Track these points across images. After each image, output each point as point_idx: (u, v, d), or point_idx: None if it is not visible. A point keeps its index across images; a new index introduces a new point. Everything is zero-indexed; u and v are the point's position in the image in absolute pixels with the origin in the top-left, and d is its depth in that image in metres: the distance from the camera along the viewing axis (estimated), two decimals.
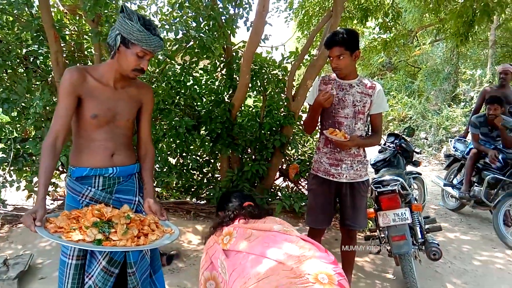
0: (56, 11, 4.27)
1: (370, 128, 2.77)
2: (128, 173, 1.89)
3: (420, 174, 4.36)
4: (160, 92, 4.15)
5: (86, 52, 4.50)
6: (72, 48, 4.45)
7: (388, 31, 6.75)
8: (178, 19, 4.36)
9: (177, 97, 4.35)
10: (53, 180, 4.56)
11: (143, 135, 1.99)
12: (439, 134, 9.95)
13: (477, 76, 12.83)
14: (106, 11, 3.84)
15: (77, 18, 4.56)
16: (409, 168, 4.14)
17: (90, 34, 4.36)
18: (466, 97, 12.56)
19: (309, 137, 5.19)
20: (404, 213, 2.81)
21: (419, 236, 3.03)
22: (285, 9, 7.05)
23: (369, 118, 2.68)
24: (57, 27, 3.70)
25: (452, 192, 5.07)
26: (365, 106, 2.54)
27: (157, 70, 4.43)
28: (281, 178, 5.18)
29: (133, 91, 1.89)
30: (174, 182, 4.64)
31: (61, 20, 4.00)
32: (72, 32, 4.51)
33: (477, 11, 4.74)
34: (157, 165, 4.32)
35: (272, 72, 4.63)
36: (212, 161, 4.89)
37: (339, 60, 2.40)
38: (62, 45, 3.91)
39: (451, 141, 5.89)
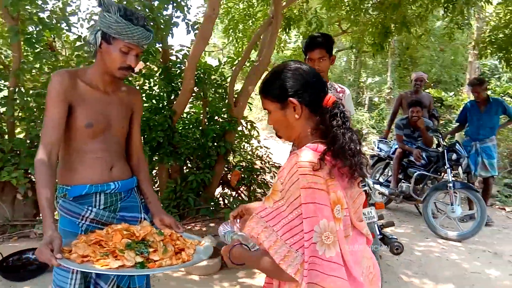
0: None
1: None
2: (128, 188, 1.64)
3: None
4: None
5: None
6: None
7: None
8: None
9: None
10: None
11: (135, 143, 1.74)
12: None
13: (374, 83, 14.13)
14: (28, 7, 3.37)
15: None
16: None
17: (5, 33, 3.79)
18: (366, 101, 13.75)
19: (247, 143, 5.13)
20: (371, 211, 2.91)
21: (377, 232, 3.16)
22: None
23: None
24: None
25: (381, 189, 5.44)
26: None
27: None
28: (220, 186, 5.03)
29: (124, 96, 1.66)
30: None
31: None
32: None
33: (396, 23, 5.18)
34: None
35: (211, 78, 4.50)
36: None
37: (320, 62, 2.40)
38: None
39: (374, 142, 6.34)
